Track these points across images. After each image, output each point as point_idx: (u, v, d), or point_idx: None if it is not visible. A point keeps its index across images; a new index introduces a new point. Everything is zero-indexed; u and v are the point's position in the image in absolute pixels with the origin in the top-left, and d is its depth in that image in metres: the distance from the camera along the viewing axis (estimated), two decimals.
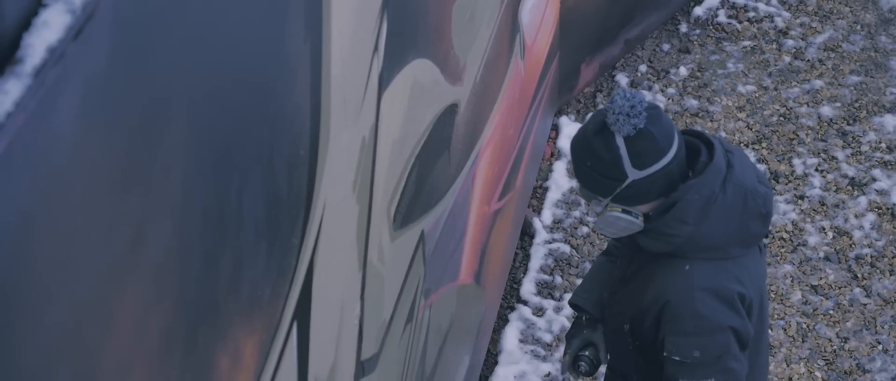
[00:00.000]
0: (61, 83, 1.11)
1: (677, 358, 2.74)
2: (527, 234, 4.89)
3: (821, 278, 4.74)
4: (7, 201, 1.05)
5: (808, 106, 5.50)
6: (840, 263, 4.80)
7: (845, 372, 4.42)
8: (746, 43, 5.83)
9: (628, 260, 2.92)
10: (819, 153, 5.24)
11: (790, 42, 5.81)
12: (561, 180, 5.11)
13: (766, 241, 2.96)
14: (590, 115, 2.94)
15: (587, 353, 3.16)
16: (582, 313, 3.19)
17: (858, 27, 5.92)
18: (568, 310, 4.59)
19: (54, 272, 1.14)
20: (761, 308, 2.90)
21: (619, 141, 2.65)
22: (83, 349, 1.23)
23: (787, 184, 5.11)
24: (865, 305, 4.64)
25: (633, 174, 2.67)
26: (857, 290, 4.69)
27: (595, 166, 2.70)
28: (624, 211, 2.73)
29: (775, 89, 5.59)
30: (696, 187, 2.69)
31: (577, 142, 2.77)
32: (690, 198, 2.69)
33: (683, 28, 5.97)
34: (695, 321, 2.71)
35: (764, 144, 5.28)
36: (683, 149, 2.73)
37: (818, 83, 5.58)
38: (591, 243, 4.83)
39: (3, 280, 1.06)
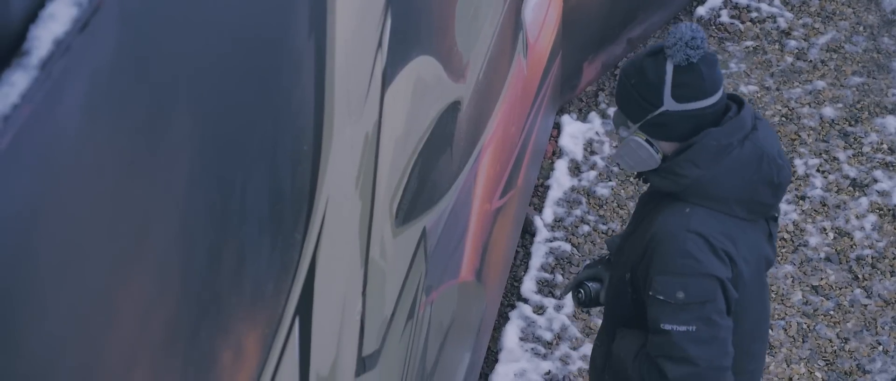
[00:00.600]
0: (67, 76, 1.11)
1: (661, 297, 2.75)
2: (528, 232, 4.90)
3: (821, 279, 4.74)
4: (13, 192, 1.05)
5: (809, 107, 5.50)
6: (841, 263, 4.80)
7: (845, 373, 4.42)
8: (749, 43, 5.83)
9: (638, 214, 2.97)
10: (820, 154, 5.24)
11: (792, 43, 5.81)
12: (562, 179, 5.11)
13: (776, 227, 2.98)
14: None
15: (591, 285, 3.19)
16: (608, 255, 3.26)
17: (861, 28, 5.91)
18: (568, 308, 4.60)
19: (59, 265, 1.15)
20: (758, 287, 2.90)
21: (669, 67, 2.72)
22: (87, 342, 1.23)
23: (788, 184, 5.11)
24: (866, 306, 4.64)
25: (669, 104, 2.74)
26: (858, 291, 4.69)
27: (637, 86, 2.76)
28: (647, 141, 2.79)
29: (777, 90, 5.59)
30: (714, 134, 2.74)
31: (629, 61, 2.83)
32: (707, 143, 2.74)
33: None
34: (683, 259, 2.73)
35: None
36: (723, 104, 2.79)
37: (820, 84, 5.58)
38: (592, 242, 4.83)
39: (8, 272, 1.06)
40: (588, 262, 3.32)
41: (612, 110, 5.47)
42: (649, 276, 2.79)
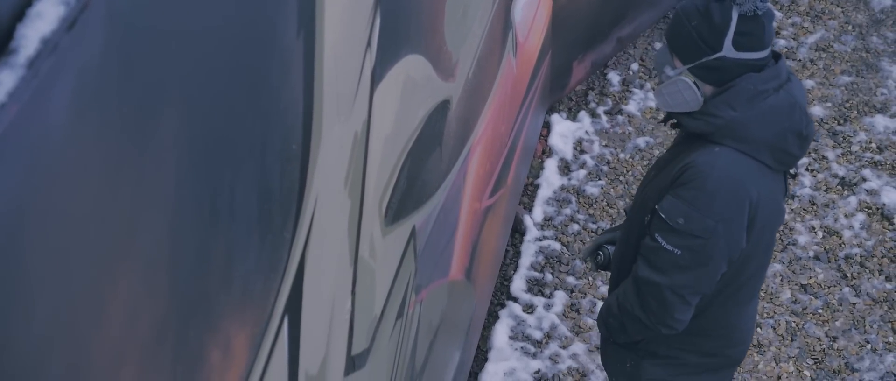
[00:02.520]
0: (55, 74, 1.11)
1: (663, 215, 2.82)
2: (517, 231, 4.90)
3: (810, 278, 4.75)
4: (0, 190, 1.05)
5: None
6: (830, 262, 4.81)
7: (834, 371, 4.43)
8: None
9: (664, 157, 3.01)
10: (809, 153, 5.25)
11: (782, 42, 5.82)
12: (552, 178, 5.12)
13: (792, 182, 3.04)
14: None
15: (610, 248, 3.26)
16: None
17: (850, 28, 5.93)
18: (558, 307, 4.60)
19: (46, 264, 1.14)
20: (767, 240, 2.95)
21: (735, 14, 2.75)
22: (75, 341, 1.23)
23: None
24: (854, 304, 4.66)
25: (728, 50, 2.78)
26: (847, 289, 4.70)
27: (699, 27, 2.79)
28: (695, 83, 2.83)
29: None
30: (753, 79, 2.80)
31: (690, 3, 2.84)
32: (745, 86, 2.79)
33: None
34: (697, 193, 2.79)
35: None
36: (768, 59, 2.84)
37: (809, 83, 5.59)
38: (581, 241, 4.84)
39: None
40: (608, 226, 3.38)
41: (602, 109, 5.47)
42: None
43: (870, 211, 5.01)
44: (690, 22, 2.81)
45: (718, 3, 2.77)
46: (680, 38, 2.85)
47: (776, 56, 2.87)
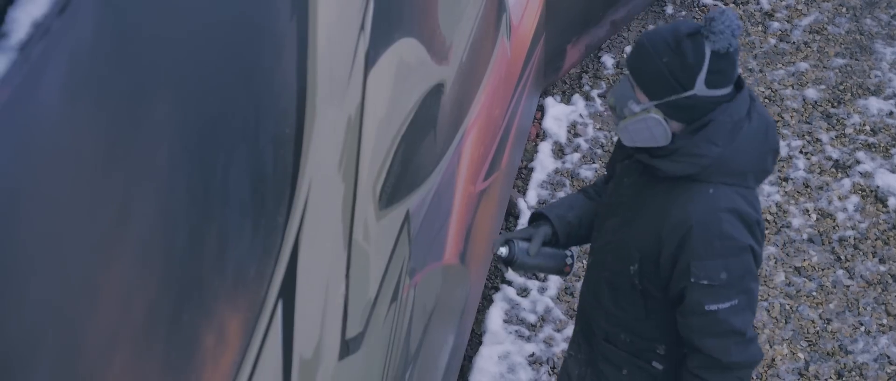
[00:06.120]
0: (46, 58, 1.10)
1: (705, 282, 2.75)
2: (512, 214, 4.90)
3: (804, 260, 4.76)
4: None
5: (792, 88, 5.51)
6: (823, 245, 4.82)
7: (828, 353, 4.44)
8: None
9: (631, 197, 2.89)
10: (803, 135, 5.26)
11: (776, 24, 5.82)
12: (546, 161, 5.12)
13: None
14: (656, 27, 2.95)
15: (522, 244, 3.08)
16: (539, 221, 3.19)
17: (844, 10, 5.92)
18: (553, 291, 4.60)
19: (38, 248, 1.14)
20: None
21: (708, 51, 2.66)
22: (68, 326, 1.23)
23: None
24: (848, 286, 4.66)
25: (700, 88, 2.69)
26: (841, 272, 4.71)
27: (671, 64, 2.68)
28: (664, 119, 2.73)
29: (761, 71, 5.60)
30: (728, 110, 2.72)
31: (658, 36, 2.71)
32: (723, 120, 2.71)
33: (669, 9, 5.97)
34: (722, 241, 2.73)
35: None
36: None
37: (803, 65, 5.59)
38: None
39: None
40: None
41: (596, 93, 5.47)
42: (681, 264, 2.76)
43: (863, 193, 5.01)
44: (661, 58, 2.68)
45: (691, 38, 2.66)
46: (648, 73, 2.71)
47: (738, 83, 2.79)
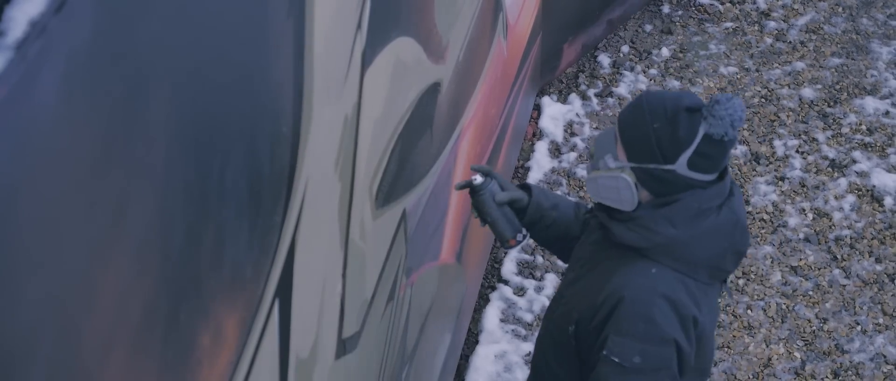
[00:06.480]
0: (43, 57, 1.10)
1: (616, 359, 2.60)
2: None
3: (800, 260, 4.76)
4: None
5: (789, 88, 5.51)
6: (820, 244, 4.82)
7: (824, 352, 4.44)
8: (728, 24, 5.84)
9: (589, 256, 2.79)
10: (800, 135, 5.26)
11: (772, 24, 5.82)
12: (543, 160, 5.12)
13: (730, 279, 2.80)
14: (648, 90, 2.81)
15: (494, 182, 2.94)
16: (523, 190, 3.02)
17: (840, 9, 5.93)
18: (549, 290, 4.61)
19: (35, 247, 1.14)
20: (707, 347, 2.77)
21: (701, 132, 2.53)
22: (65, 324, 1.23)
23: (767, 165, 5.12)
24: (844, 286, 4.67)
25: (680, 166, 2.56)
26: (837, 271, 4.72)
27: (660, 132, 2.55)
28: (636, 184, 2.60)
29: (757, 71, 5.60)
30: (697, 197, 2.59)
31: (657, 99, 2.59)
32: (689, 203, 2.59)
33: (666, 9, 5.97)
34: (646, 325, 2.58)
35: (745, 126, 5.29)
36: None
37: (800, 65, 5.60)
38: None
39: None
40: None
41: (592, 92, 5.47)
42: (604, 333, 2.63)
43: (860, 193, 5.02)
44: (653, 123, 2.55)
45: (689, 113, 2.53)
46: (635, 133, 2.58)
47: (722, 174, 2.65)
